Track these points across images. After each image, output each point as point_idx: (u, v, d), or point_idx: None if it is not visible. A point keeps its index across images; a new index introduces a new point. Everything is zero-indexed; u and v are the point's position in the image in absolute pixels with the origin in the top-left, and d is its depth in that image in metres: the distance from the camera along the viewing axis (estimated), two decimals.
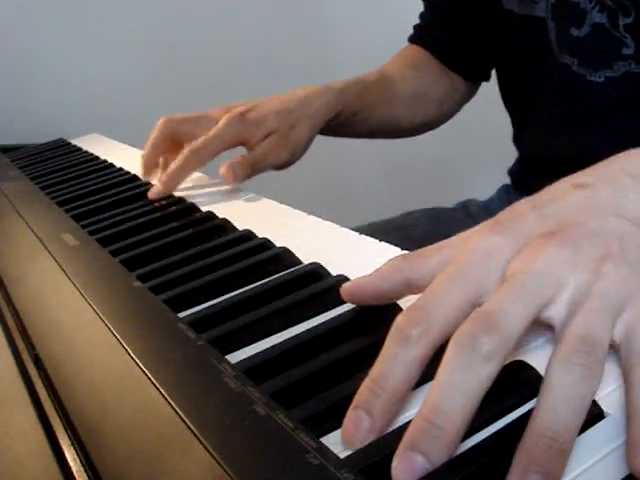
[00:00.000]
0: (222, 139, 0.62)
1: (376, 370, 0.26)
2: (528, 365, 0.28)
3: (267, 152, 0.63)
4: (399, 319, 0.27)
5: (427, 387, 0.28)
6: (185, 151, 0.61)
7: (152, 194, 0.61)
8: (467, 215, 0.77)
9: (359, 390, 0.26)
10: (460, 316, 0.26)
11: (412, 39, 0.81)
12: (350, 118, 0.72)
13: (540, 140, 0.68)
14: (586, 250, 0.27)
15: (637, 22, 0.55)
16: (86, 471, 0.25)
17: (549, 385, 0.24)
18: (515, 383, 0.27)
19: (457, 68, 0.79)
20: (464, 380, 0.24)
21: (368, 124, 0.75)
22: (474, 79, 0.80)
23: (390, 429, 0.26)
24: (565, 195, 0.30)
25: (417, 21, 0.81)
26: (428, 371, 0.26)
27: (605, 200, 0.30)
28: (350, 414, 0.26)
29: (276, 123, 0.64)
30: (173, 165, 0.61)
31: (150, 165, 0.66)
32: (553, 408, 0.23)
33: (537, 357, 0.28)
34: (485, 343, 0.24)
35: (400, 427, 0.26)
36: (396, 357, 0.26)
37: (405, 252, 0.41)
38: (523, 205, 0.30)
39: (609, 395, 0.26)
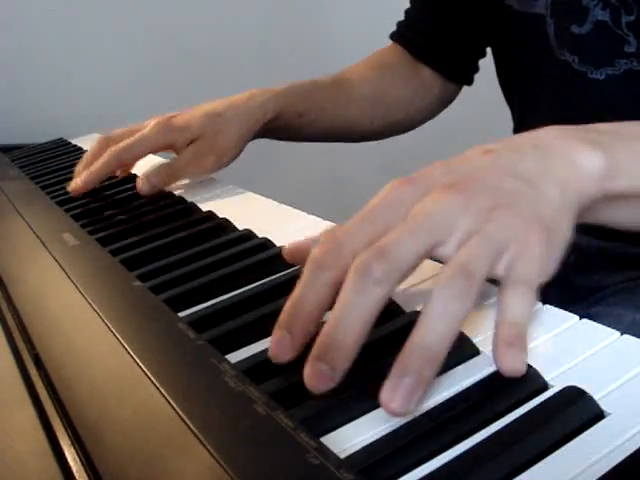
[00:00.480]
0: (145, 143, 0.62)
1: (294, 294, 0.30)
2: (528, 365, 0.28)
3: (188, 160, 0.63)
4: (315, 250, 0.31)
5: None
6: (108, 151, 0.62)
7: (70, 188, 0.63)
8: None
9: (281, 313, 0.30)
10: (367, 246, 0.30)
11: (393, 36, 0.79)
12: (295, 119, 0.70)
13: None
14: (478, 200, 0.31)
15: None
16: (86, 471, 0.25)
17: (428, 304, 0.27)
18: (515, 383, 0.28)
19: (439, 66, 0.77)
20: (359, 301, 0.28)
21: (319, 126, 0.74)
22: (457, 79, 0.78)
23: (390, 429, 0.26)
24: (473, 158, 0.34)
25: None
26: None
27: (505, 162, 0.33)
28: (275, 333, 0.30)
29: (200, 127, 0.63)
30: (95, 164, 0.62)
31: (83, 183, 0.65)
32: (428, 323, 0.27)
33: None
34: (376, 270, 0.28)
35: (400, 427, 0.26)
36: (311, 282, 0.30)
37: None
38: (435, 164, 0.33)
39: (609, 395, 0.26)
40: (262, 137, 0.70)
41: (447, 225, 0.30)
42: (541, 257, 0.30)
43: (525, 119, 0.72)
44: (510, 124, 0.77)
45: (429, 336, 0.27)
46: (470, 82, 0.79)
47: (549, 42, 0.61)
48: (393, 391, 0.26)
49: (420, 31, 0.76)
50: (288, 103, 0.68)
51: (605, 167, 0.33)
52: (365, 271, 0.28)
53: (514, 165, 0.33)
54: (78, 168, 0.65)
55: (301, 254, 0.35)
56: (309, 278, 0.30)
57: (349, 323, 0.28)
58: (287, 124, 0.70)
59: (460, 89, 0.80)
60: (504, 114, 0.77)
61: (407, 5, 0.79)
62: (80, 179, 0.62)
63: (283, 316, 0.30)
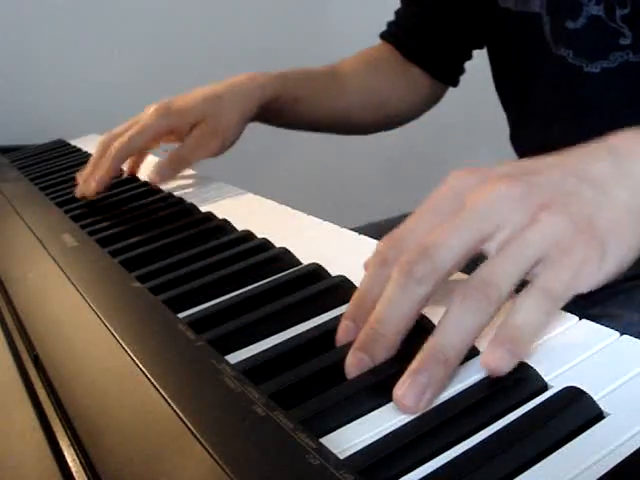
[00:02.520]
0: (148, 130, 0.62)
1: (360, 288, 0.32)
2: (528, 365, 0.28)
3: (194, 145, 0.63)
4: (379, 245, 0.32)
5: None
6: (111, 149, 0.61)
7: (83, 191, 0.62)
8: None
9: (349, 305, 0.32)
10: None
11: (383, 35, 0.80)
12: (291, 104, 0.70)
13: (536, 135, 0.68)
14: (533, 194, 0.30)
15: (634, 13, 0.54)
16: (86, 471, 0.25)
17: (448, 310, 0.28)
18: (515, 383, 0.28)
19: (426, 65, 0.77)
20: (401, 299, 0.29)
21: (314, 114, 0.74)
22: (443, 79, 0.78)
23: (390, 429, 0.26)
24: (543, 158, 0.33)
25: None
26: None
27: (574, 163, 0.33)
28: (341, 324, 0.32)
29: (201, 110, 0.63)
30: (104, 161, 0.62)
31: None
32: (445, 329, 0.28)
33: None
34: (418, 271, 0.29)
35: (400, 428, 0.26)
36: (375, 277, 0.32)
37: None
38: (506, 162, 0.34)
39: (609, 395, 0.26)
40: (257, 120, 0.70)
41: (494, 221, 0.30)
42: (580, 266, 0.29)
43: (521, 121, 0.72)
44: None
45: (445, 342, 0.28)
46: (456, 83, 0.79)
47: (545, 39, 0.61)
48: (406, 388, 0.27)
49: (408, 30, 0.77)
50: (285, 87, 0.68)
51: None
52: (408, 271, 0.29)
53: (584, 167, 0.32)
54: (85, 171, 0.64)
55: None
56: (373, 273, 0.32)
57: (391, 318, 0.29)
58: (282, 108, 0.70)
59: (446, 90, 0.81)
60: (502, 114, 0.77)
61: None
62: (93, 179, 0.61)
63: (350, 307, 0.32)
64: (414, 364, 0.28)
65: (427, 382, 0.27)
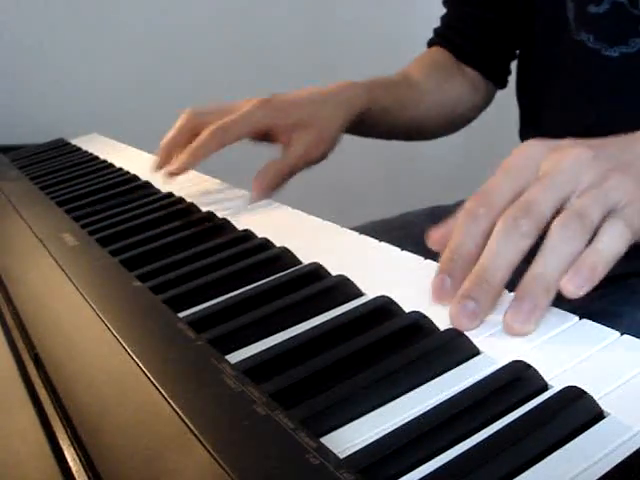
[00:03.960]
0: (249, 121, 0.57)
1: (452, 242, 0.35)
2: (528, 365, 0.28)
3: (303, 152, 0.59)
4: (468, 203, 0.35)
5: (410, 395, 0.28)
6: (209, 129, 0.57)
7: (168, 172, 0.58)
8: None
9: (440, 261, 0.36)
10: (512, 200, 0.35)
11: (432, 42, 0.80)
12: (379, 114, 0.68)
13: (553, 121, 0.68)
14: (601, 159, 0.35)
15: None
16: (86, 471, 0.25)
17: (546, 241, 0.32)
18: (515, 383, 0.28)
19: (479, 65, 0.77)
20: (507, 250, 0.33)
21: (395, 123, 0.72)
22: (494, 79, 0.78)
23: (390, 429, 0.26)
24: (598, 139, 0.38)
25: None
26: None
27: (624, 142, 0.38)
28: (435, 279, 0.35)
29: (309, 111, 0.59)
30: (195, 143, 0.57)
31: (165, 155, 0.61)
32: (545, 257, 0.32)
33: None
34: (523, 225, 0.33)
35: (400, 427, 0.26)
36: (467, 231, 0.34)
37: (405, 252, 0.41)
38: (568, 139, 0.38)
39: (609, 395, 0.26)
40: (347, 132, 0.66)
41: (574, 180, 0.34)
42: None
43: (536, 108, 0.71)
44: (510, 123, 0.77)
45: (545, 268, 0.31)
46: (504, 84, 0.79)
47: (568, 26, 0.61)
48: (514, 315, 0.31)
49: (461, 32, 0.76)
50: (375, 96, 0.66)
51: None
52: (514, 225, 0.33)
53: (635, 146, 0.37)
54: (164, 146, 0.60)
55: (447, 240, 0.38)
56: (465, 227, 0.35)
57: (497, 267, 0.32)
58: (371, 118, 0.67)
59: (495, 92, 0.80)
60: (509, 116, 0.77)
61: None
62: (180, 161, 0.57)
63: (443, 263, 0.35)
64: (519, 292, 0.31)
65: (532, 308, 0.31)
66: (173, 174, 0.58)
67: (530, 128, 0.73)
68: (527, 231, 0.33)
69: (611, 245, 0.32)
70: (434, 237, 0.39)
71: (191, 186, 0.64)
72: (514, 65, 0.77)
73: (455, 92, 0.77)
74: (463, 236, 0.35)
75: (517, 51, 0.76)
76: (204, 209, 0.56)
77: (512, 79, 0.77)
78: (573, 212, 0.33)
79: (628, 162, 0.36)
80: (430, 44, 0.80)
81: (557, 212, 0.34)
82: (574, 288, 0.31)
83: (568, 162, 0.35)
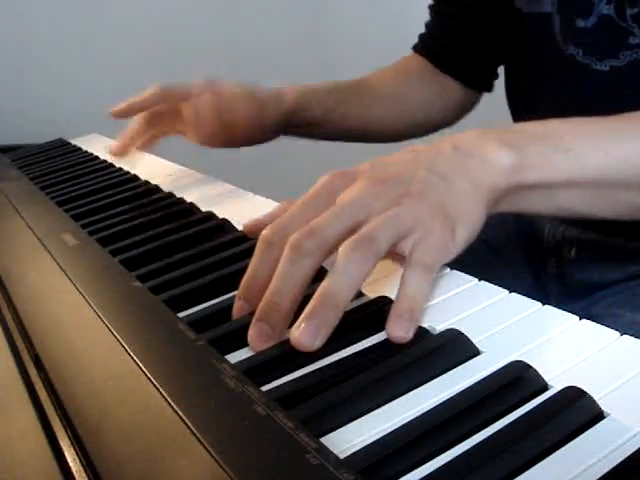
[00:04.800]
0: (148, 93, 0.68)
1: (250, 269, 0.36)
2: (528, 365, 0.28)
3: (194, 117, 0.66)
4: (264, 232, 0.37)
5: (416, 392, 0.28)
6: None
7: (112, 113, 0.69)
8: None
9: (240, 286, 0.36)
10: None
11: (414, 47, 0.81)
12: (322, 114, 0.72)
13: None
14: (393, 188, 0.37)
15: None
16: (86, 471, 0.25)
17: (336, 262, 0.33)
18: (515, 383, 0.28)
19: (458, 75, 0.78)
20: (293, 271, 0.34)
21: (346, 124, 0.75)
22: (476, 87, 0.79)
23: (390, 429, 0.26)
24: (398, 156, 0.40)
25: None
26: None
27: (424, 159, 0.39)
28: (236, 302, 0.36)
29: (206, 83, 0.67)
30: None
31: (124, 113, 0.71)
32: (332, 277, 0.33)
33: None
34: (305, 245, 0.34)
35: (399, 428, 0.26)
36: (263, 258, 0.36)
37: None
38: (365, 162, 0.40)
39: (609, 395, 0.26)
40: (290, 134, 0.72)
41: (365, 208, 0.36)
42: (441, 241, 0.35)
43: (529, 120, 0.71)
44: (510, 124, 0.77)
45: (332, 287, 0.32)
46: (490, 89, 0.79)
47: (555, 39, 0.61)
48: (302, 330, 0.31)
49: (437, 41, 0.78)
50: (315, 96, 0.71)
51: (515, 164, 0.38)
52: (297, 247, 0.34)
53: (432, 162, 0.38)
54: (127, 108, 0.71)
55: (260, 229, 0.39)
56: (261, 255, 0.36)
57: (285, 289, 0.33)
58: (315, 117, 0.72)
59: (481, 95, 0.81)
60: (504, 114, 0.77)
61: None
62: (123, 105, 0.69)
63: (242, 288, 0.36)
64: (307, 309, 0.32)
65: (320, 324, 0.31)
66: (116, 116, 0.70)
67: None
68: (309, 250, 0.34)
69: (416, 289, 0.34)
70: (248, 226, 0.46)
71: (191, 186, 0.64)
72: (503, 69, 0.77)
73: (414, 97, 0.78)
74: (258, 262, 0.36)
75: (501, 62, 0.76)
76: (204, 209, 0.56)
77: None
78: (360, 234, 0.34)
79: (422, 182, 0.37)
80: (414, 49, 0.81)
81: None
82: (395, 334, 0.32)
83: (358, 194, 0.36)
